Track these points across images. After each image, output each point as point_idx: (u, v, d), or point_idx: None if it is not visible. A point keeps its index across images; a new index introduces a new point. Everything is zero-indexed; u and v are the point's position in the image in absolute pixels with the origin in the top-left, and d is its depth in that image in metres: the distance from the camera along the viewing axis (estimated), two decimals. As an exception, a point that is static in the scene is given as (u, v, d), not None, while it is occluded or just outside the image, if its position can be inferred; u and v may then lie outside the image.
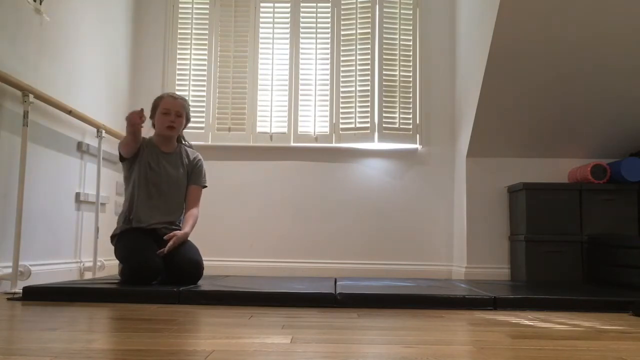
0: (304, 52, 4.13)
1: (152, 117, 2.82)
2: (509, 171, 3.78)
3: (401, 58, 4.09)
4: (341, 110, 4.06)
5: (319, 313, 2.05)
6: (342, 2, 4.13)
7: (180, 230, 2.72)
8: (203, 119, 4.05)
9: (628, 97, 3.40)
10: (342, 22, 4.12)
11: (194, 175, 2.87)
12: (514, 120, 3.57)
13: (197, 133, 4.03)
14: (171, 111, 2.75)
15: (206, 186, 2.91)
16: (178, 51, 4.13)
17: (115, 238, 2.72)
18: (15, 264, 2.50)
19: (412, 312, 2.14)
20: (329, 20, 4.14)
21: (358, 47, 4.08)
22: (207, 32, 4.13)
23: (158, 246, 2.63)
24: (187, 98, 2.98)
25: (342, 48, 4.10)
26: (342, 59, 4.09)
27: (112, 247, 2.74)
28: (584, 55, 3.20)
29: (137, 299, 2.26)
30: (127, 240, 2.65)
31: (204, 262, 2.75)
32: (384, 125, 3.99)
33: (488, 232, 3.74)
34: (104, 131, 3.38)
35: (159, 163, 2.77)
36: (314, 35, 4.14)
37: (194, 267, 2.61)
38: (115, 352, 1.25)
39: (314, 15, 4.15)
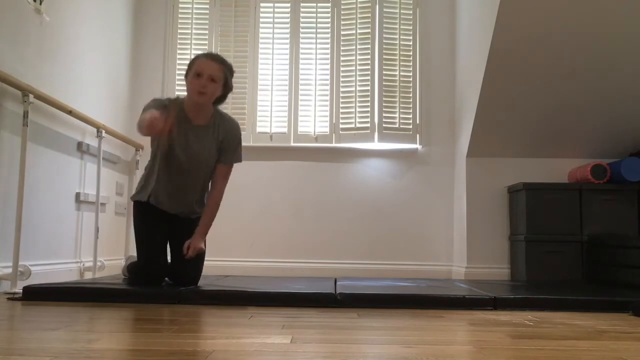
0: (304, 52, 4.13)
1: (186, 77, 2.44)
2: (509, 171, 3.78)
3: (401, 58, 4.08)
4: (341, 110, 4.06)
5: (319, 313, 2.05)
6: (342, 2, 4.13)
7: (199, 217, 2.58)
8: (203, 119, 4.05)
9: (628, 97, 3.40)
10: (342, 22, 4.12)
11: (225, 152, 2.51)
12: (514, 120, 3.56)
13: (197, 133, 4.03)
14: (204, 73, 2.35)
15: (240, 161, 2.58)
16: (178, 51, 4.13)
17: (134, 205, 2.56)
18: (15, 264, 2.50)
19: (412, 312, 2.14)
20: (329, 20, 4.14)
21: (358, 47, 4.08)
22: (207, 32, 4.13)
23: (172, 226, 2.56)
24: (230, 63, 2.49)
25: (342, 48, 4.10)
26: (342, 59, 4.09)
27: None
28: (584, 55, 3.20)
29: (137, 299, 2.27)
30: (142, 221, 2.51)
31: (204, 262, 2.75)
32: (384, 125, 3.99)
33: (488, 232, 3.74)
34: (104, 131, 3.38)
35: (186, 139, 2.44)
36: (314, 35, 4.14)
37: (188, 281, 2.58)
38: (115, 352, 1.25)
39: (314, 15, 4.15)
